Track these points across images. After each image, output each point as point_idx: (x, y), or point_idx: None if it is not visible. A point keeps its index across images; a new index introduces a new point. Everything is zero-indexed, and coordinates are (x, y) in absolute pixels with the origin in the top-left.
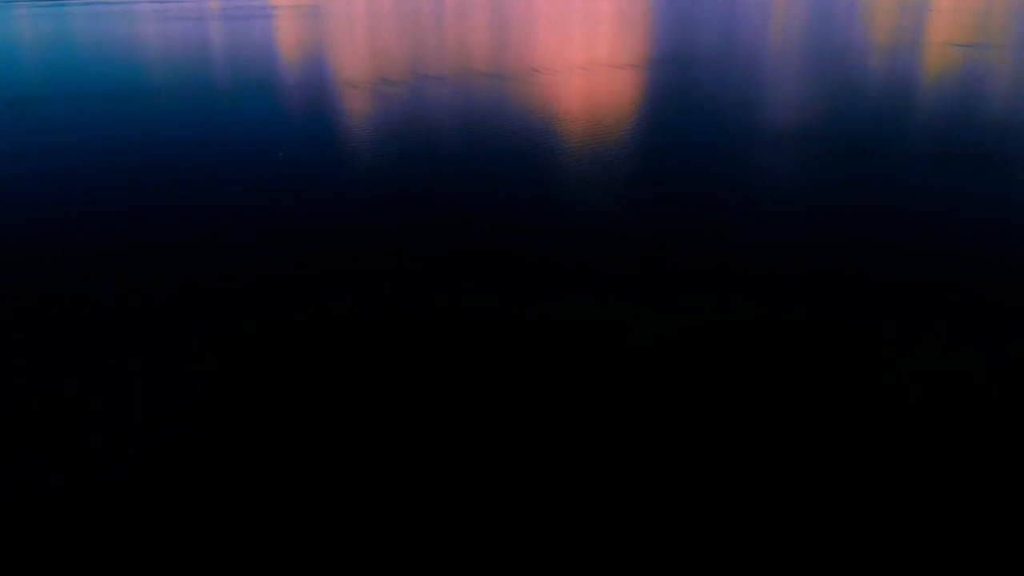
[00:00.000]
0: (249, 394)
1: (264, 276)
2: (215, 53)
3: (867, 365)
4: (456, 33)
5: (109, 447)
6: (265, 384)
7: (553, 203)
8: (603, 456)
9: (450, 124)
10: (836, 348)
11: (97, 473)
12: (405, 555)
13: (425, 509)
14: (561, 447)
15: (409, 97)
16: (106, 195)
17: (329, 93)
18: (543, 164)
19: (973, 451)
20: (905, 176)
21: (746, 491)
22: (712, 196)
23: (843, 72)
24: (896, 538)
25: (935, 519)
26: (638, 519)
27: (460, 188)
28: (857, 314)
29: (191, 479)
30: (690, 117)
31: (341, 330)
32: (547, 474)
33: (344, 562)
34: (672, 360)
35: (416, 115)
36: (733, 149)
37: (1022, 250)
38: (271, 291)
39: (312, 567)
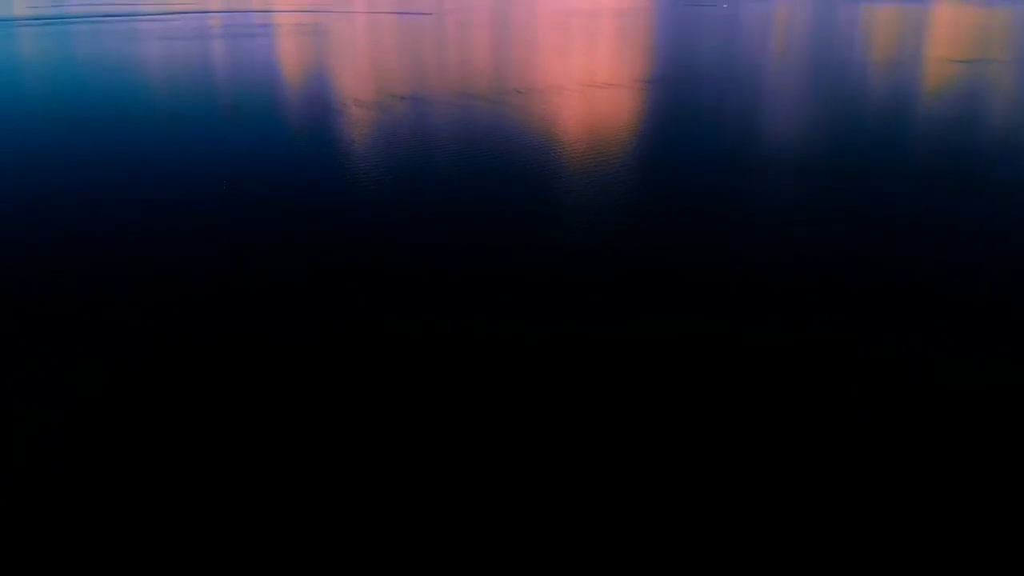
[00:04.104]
0: (244, 400)
1: (263, 288)
2: (215, 72)
3: (864, 376)
4: (453, 52)
5: (107, 447)
6: (262, 391)
7: (549, 219)
8: (598, 466)
9: (446, 144)
10: (834, 359)
11: (97, 473)
12: (404, 555)
13: (422, 512)
14: (559, 454)
15: (408, 116)
16: (118, 210)
17: (323, 112)
18: (539, 181)
19: (967, 452)
20: (902, 193)
21: (742, 502)
22: (711, 214)
23: (845, 89)
24: (896, 544)
25: (933, 520)
26: (635, 523)
27: (456, 206)
28: (854, 327)
29: (186, 484)
30: (688, 137)
31: (343, 340)
32: (544, 477)
33: (343, 560)
34: (671, 371)
35: (415, 135)
36: (735, 168)
37: (1017, 266)
38: (270, 302)
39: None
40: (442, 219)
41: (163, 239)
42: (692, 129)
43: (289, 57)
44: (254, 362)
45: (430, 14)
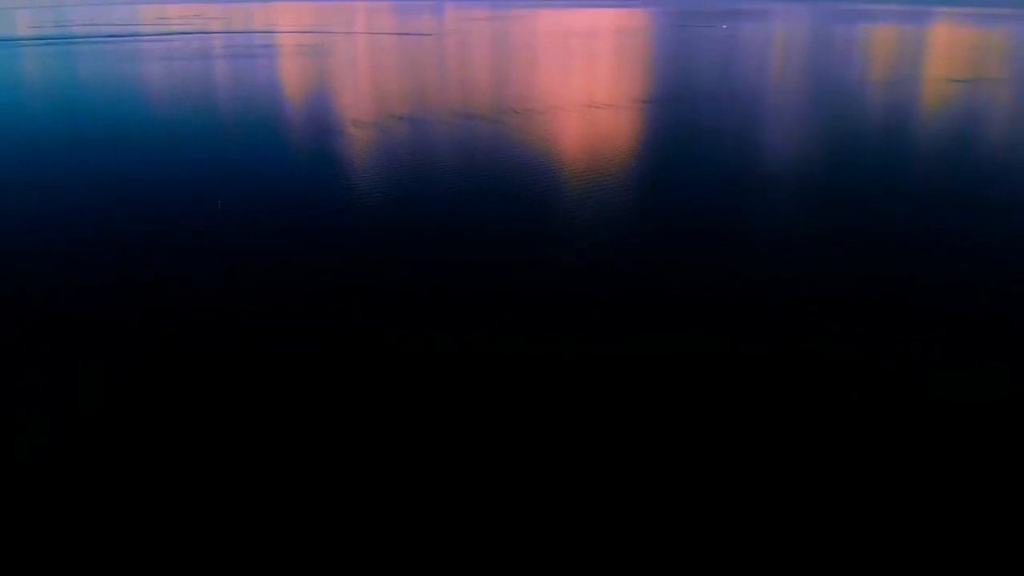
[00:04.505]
0: (244, 412)
1: (264, 304)
2: (217, 92)
3: (862, 389)
4: (453, 73)
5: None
6: (261, 404)
7: (549, 237)
8: (598, 480)
9: (445, 163)
10: (833, 373)
11: (95, 482)
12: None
13: (420, 526)
14: (559, 468)
15: (408, 136)
16: (120, 227)
17: (324, 132)
18: (537, 200)
19: (966, 463)
20: (900, 211)
21: (742, 515)
22: (711, 232)
23: (844, 109)
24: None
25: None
26: (636, 535)
27: (455, 224)
28: (852, 341)
29: (184, 493)
30: (688, 156)
31: (344, 355)
32: (543, 489)
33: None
34: (671, 386)
35: (414, 154)
36: (735, 187)
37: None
38: (271, 317)
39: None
40: (442, 237)
41: (165, 255)
42: (692, 149)
43: (291, 77)
44: (254, 375)
45: (430, 35)
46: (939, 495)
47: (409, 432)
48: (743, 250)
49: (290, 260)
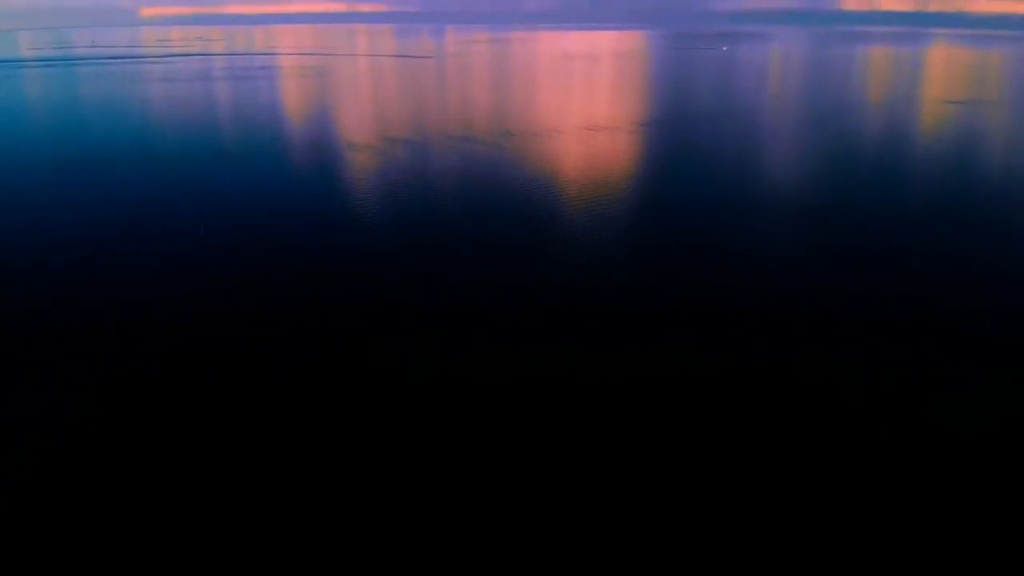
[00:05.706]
0: (240, 419)
1: (264, 318)
2: (216, 114)
3: (862, 405)
4: (453, 95)
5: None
6: (257, 415)
7: (545, 257)
8: (595, 497)
9: (440, 186)
10: (830, 387)
11: (92, 492)
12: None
13: (415, 542)
14: (557, 479)
15: (404, 160)
16: (128, 246)
17: (322, 155)
18: (535, 220)
19: (966, 477)
20: (899, 231)
21: (742, 534)
22: (711, 251)
23: (842, 130)
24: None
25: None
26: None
27: (455, 244)
28: (851, 356)
29: (180, 507)
30: (687, 177)
31: (344, 370)
32: (540, 498)
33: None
34: (670, 400)
35: (410, 178)
36: (734, 209)
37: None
38: (271, 333)
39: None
40: (440, 255)
41: (165, 274)
42: (691, 170)
43: (291, 99)
44: (253, 390)
45: (430, 57)
46: (940, 509)
47: (409, 447)
48: (743, 269)
49: (289, 279)
